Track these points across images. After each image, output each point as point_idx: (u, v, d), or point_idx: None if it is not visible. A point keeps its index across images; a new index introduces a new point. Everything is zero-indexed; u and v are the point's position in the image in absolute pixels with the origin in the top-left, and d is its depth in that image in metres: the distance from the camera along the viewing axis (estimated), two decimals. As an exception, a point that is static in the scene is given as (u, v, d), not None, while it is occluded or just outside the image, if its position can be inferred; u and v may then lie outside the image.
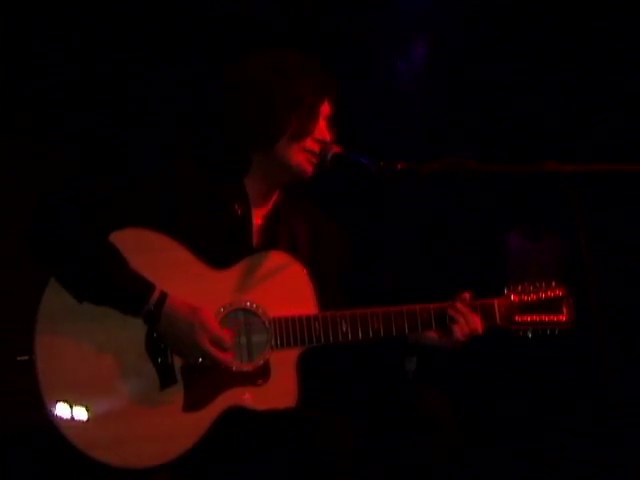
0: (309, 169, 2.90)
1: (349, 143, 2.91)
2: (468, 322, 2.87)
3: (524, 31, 4.78)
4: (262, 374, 2.76)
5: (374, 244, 4.75)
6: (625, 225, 4.56)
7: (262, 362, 2.76)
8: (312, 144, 2.88)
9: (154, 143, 4.36)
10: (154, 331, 2.69)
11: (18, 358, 2.72)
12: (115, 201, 2.77)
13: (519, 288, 3.00)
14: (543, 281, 3.02)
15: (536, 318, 2.98)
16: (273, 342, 2.76)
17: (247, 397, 2.73)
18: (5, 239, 4.14)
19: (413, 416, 2.77)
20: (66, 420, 2.62)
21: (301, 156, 2.88)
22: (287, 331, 2.77)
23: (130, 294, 2.65)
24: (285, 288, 2.81)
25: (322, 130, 2.89)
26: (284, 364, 2.77)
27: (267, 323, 2.77)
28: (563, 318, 2.99)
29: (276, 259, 2.84)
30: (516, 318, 2.97)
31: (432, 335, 2.91)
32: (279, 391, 2.75)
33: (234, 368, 2.73)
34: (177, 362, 2.70)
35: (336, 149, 2.87)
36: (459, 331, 2.86)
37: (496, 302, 2.97)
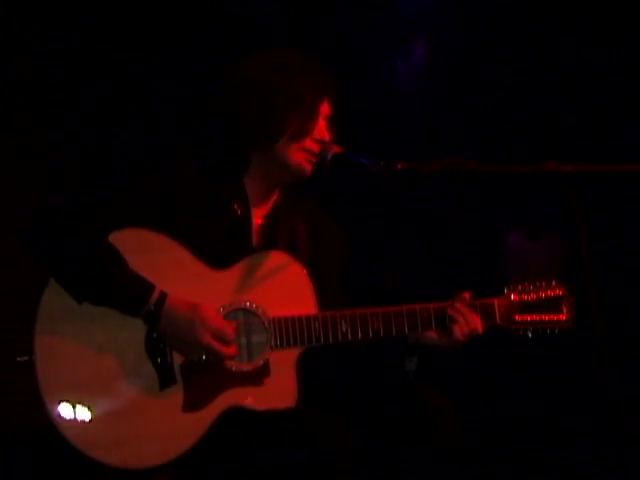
0: (308, 168, 2.90)
1: (349, 143, 2.91)
2: (468, 322, 2.87)
3: (524, 31, 4.78)
4: (262, 374, 2.75)
5: (374, 244, 4.74)
6: (625, 225, 4.56)
7: (262, 362, 2.76)
8: (311, 144, 2.88)
9: (154, 143, 4.36)
10: (154, 331, 2.69)
11: (18, 358, 2.72)
12: (115, 201, 2.77)
13: (519, 288, 2.99)
14: (543, 280, 3.01)
15: (536, 318, 2.97)
16: (273, 342, 2.76)
17: (247, 397, 2.73)
18: (5, 239, 4.14)
19: (413, 416, 2.77)
20: (66, 420, 2.62)
21: (300, 156, 2.88)
22: (287, 331, 2.77)
23: (130, 294, 2.65)
24: (285, 288, 2.81)
25: (322, 130, 2.89)
26: (284, 364, 2.77)
27: (267, 323, 2.77)
28: (563, 317, 2.99)
29: (276, 259, 2.84)
30: (516, 318, 2.97)
31: (432, 335, 2.90)
32: (279, 391, 2.75)
33: (234, 368, 2.73)
34: (177, 362, 2.70)
35: (336, 149, 2.87)
36: (459, 331, 2.86)
37: (496, 302, 2.96)
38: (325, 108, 2.91)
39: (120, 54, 4.54)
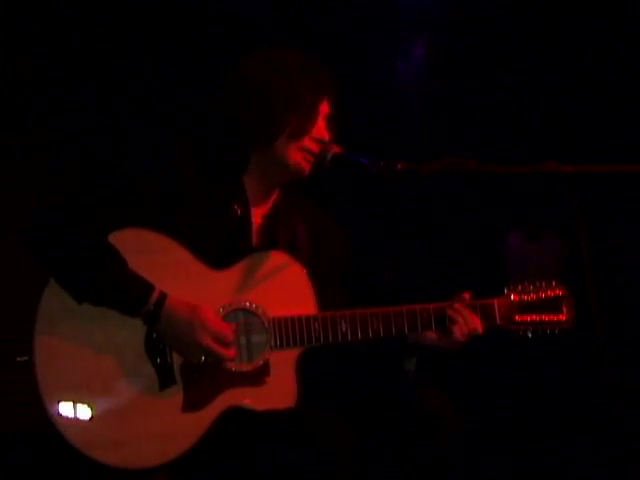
0: (306, 168, 2.89)
1: (349, 143, 2.91)
2: (467, 322, 2.86)
3: (524, 31, 4.79)
4: (262, 374, 2.75)
5: (374, 244, 4.75)
6: (625, 225, 4.56)
7: (261, 362, 2.75)
8: (310, 143, 2.87)
9: (153, 143, 4.36)
10: (154, 331, 2.69)
11: (18, 358, 2.72)
12: (114, 201, 2.76)
13: (519, 288, 2.99)
14: (543, 281, 3.01)
15: (536, 318, 2.97)
16: (272, 342, 2.76)
17: (246, 397, 2.72)
18: (5, 239, 4.14)
19: (413, 416, 2.76)
20: (65, 420, 2.61)
21: (298, 155, 2.87)
22: (287, 331, 2.76)
23: (129, 295, 2.65)
24: (285, 288, 2.81)
25: (321, 129, 2.89)
26: (284, 364, 2.76)
27: (267, 323, 2.76)
28: (563, 317, 2.99)
29: (276, 259, 2.83)
30: (516, 318, 2.96)
31: (432, 336, 2.90)
32: (278, 391, 2.75)
33: (234, 369, 2.73)
34: (176, 362, 2.70)
35: (336, 149, 2.86)
36: (458, 331, 2.85)
37: (496, 302, 2.96)
38: (324, 107, 2.91)
39: (120, 54, 4.55)
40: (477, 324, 2.88)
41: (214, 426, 2.69)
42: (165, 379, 2.68)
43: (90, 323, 2.67)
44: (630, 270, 4.54)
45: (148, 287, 2.65)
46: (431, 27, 4.91)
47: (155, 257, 2.73)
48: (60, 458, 2.69)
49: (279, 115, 2.82)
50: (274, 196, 2.99)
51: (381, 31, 4.81)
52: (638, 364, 4.28)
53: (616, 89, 4.58)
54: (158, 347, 2.69)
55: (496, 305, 2.95)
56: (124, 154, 4.33)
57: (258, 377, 2.75)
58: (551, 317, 2.98)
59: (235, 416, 2.70)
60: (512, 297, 2.98)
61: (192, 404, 2.69)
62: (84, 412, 2.64)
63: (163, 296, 2.66)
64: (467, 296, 2.93)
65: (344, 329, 2.81)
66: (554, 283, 3.01)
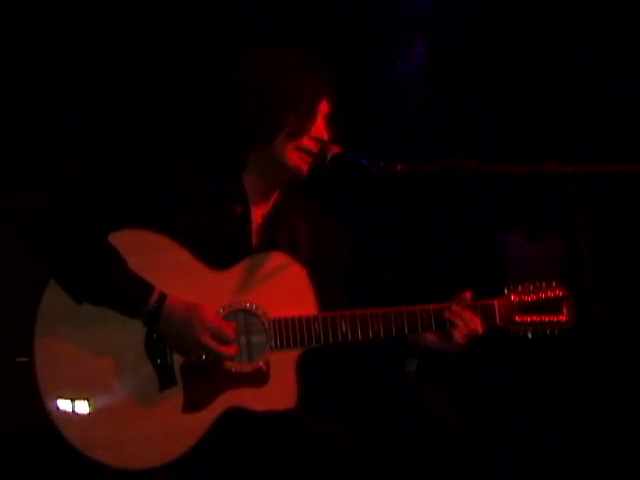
0: (304, 168, 2.89)
1: (348, 143, 2.91)
2: (467, 324, 2.86)
3: (524, 31, 4.78)
4: (262, 375, 2.75)
5: (374, 244, 4.74)
6: (625, 225, 4.56)
7: (262, 363, 2.75)
8: (309, 142, 2.87)
9: (153, 143, 4.36)
10: (153, 332, 2.69)
11: (18, 359, 2.72)
12: (114, 201, 2.76)
13: (519, 288, 2.99)
14: (543, 281, 3.01)
15: (536, 318, 2.97)
16: (273, 343, 2.76)
17: (247, 398, 2.72)
18: (5, 239, 4.14)
19: (413, 416, 2.76)
20: (66, 420, 2.62)
21: (296, 155, 2.87)
22: (287, 332, 2.76)
23: (129, 295, 2.65)
24: (285, 289, 2.80)
25: (320, 129, 2.88)
26: (284, 365, 2.76)
27: (267, 324, 2.76)
28: (563, 318, 2.98)
29: (276, 260, 2.83)
30: (516, 318, 2.96)
31: (432, 338, 2.89)
32: (279, 392, 2.75)
33: (234, 369, 2.73)
34: (176, 363, 2.70)
35: (335, 150, 2.86)
36: (458, 334, 2.85)
37: (496, 303, 2.95)
38: (324, 107, 2.91)
39: (120, 54, 4.55)
40: (477, 325, 2.87)
41: (214, 427, 2.69)
42: (165, 380, 2.68)
43: (90, 324, 2.67)
44: (630, 270, 4.54)
45: (148, 288, 2.65)
46: (431, 27, 4.90)
47: (155, 258, 2.73)
48: (60, 458, 2.69)
49: (278, 114, 2.82)
50: (274, 196, 2.99)
51: (381, 31, 4.81)
52: (638, 364, 4.27)
53: (616, 89, 4.58)
54: (158, 348, 2.69)
55: (496, 306, 2.94)
56: (124, 154, 4.33)
57: (258, 378, 2.75)
58: (551, 318, 2.98)
59: (235, 417, 2.70)
60: (512, 298, 2.97)
61: (192, 405, 2.69)
62: (84, 412, 2.64)
63: (163, 296, 2.66)
64: (468, 296, 2.93)
65: (344, 330, 2.81)
66: (554, 284, 3.01)
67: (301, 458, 2.57)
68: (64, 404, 2.63)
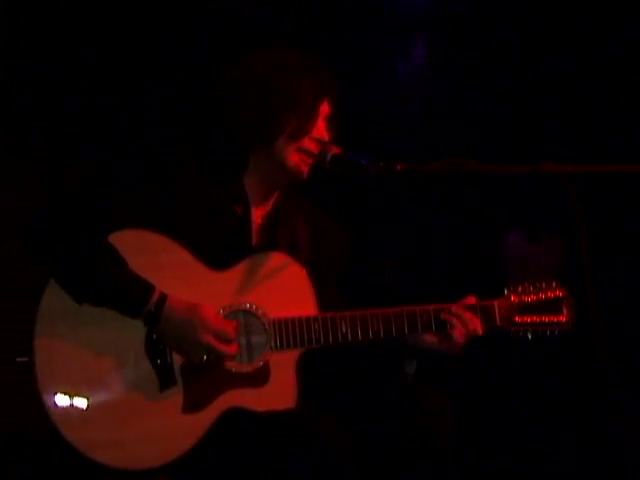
0: (304, 170, 2.88)
1: (348, 143, 2.91)
2: (465, 324, 2.86)
3: (524, 31, 4.79)
4: (262, 375, 2.75)
5: (374, 245, 4.75)
6: (625, 225, 4.56)
7: (262, 363, 2.75)
8: (310, 144, 2.87)
9: (154, 143, 4.36)
10: (154, 332, 2.68)
11: (18, 359, 2.72)
12: (115, 202, 2.76)
13: (519, 289, 2.98)
14: (543, 282, 3.01)
15: (536, 319, 2.97)
16: (273, 343, 2.76)
17: (247, 398, 2.72)
18: (5, 239, 4.14)
19: (413, 417, 2.76)
20: (66, 421, 2.62)
21: (297, 157, 2.86)
22: (287, 332, 2.76)
23: (130, 295, 2.65)
24: (285, 289, 2.80)
25: (321, 130, 2.88)
26: (284, 365, 2.76)
27: (267, 324, 2.76)
28: (563, 319, 2.98)
29: (276, 260, 2.83)
30: (516, 319, 2.95)
31: (432, 339, 2.89)
32: (279, 392, 2.74)
33: (234, 369, 2.73)
34: (176, 363, 2.70)
35: (335, 150, 2.85)
36: (458, 335, 2.85)
37: (496, 303, 2.95)
38: (325, 108, 2.90)
39: (120, 54, 4.54)
40: (477, 325, 2.87)
41: (214, 427, 2.68)
42: (165, 380, 2.68)
43: (90, 324, 2.67)
44: (630, 270, 4.54)
45: (149, 288, 2.65)
46: (431, 27, 4.90)
47: (155, 258, 2.73)
48: (60, 458, 2.69)
49: (279, 115, 2.82)
50: (274, 197, 2.99)
51: (381, 31, 4.81)
52: (638, 364, 4.28)
53: (616, 89, 4.58)
54: (158, 348, 2.69)
55: (496, 306, 2.94)
56: (124, 154, 4.33)
57: (258, 378, 2.75)
58: (551, 318, 2.98)
59: (235, 417, 2.70)
60: (512, 298, 2.97)
61: (192, 405, 2.69)
62: (84, 412, 2.64)
63: (163, 297, 2.66)
64: (472, 301, 2.93)
65: (344, 330, 2.81)
66: (554, 284, 3.00)
67: (301, 458, 2.56)
68: (64, 404, 2.62)
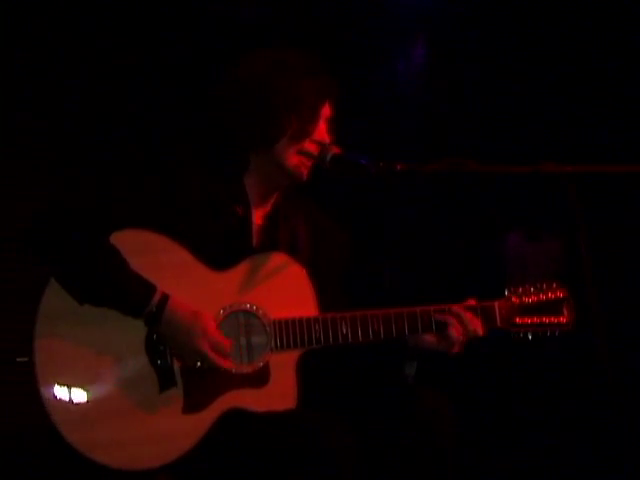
0: (304, 172, 2.89)
1: (348, 143, 2.91)
2: (466, 324, 2.86)
3: (524, 30, 4.78)
4: (262, 376, 2.75)
5: (374, 245, 4.74)
6: (625, 225, 4.56)
7: (262, 364, 2.75)
8: (310, 146, 2.87)
9: (154, 143, 4.36)
10: (154, 333, 2.69)
11: (18, 359, 2.72)
12: (115, 202, 2.76)
13: (520, 290, 2.98)
14: (544, 283, 3.01)
15: (536, 320, 2.97)
16: (273, 344, 2.76)
17: (247, 399, 2.72)
18: (5, 239, 4.14)
19: (413, 416, 2.77)
20: (65, 421, 2.62)
21: (297, 159, 2.87)
22: (287, 333, 2.76)
23: (131, 295, 2.65)
24: (285, 290, 2.81)
25: (321, 132, 2.88)
26: (284, 366, 2.76)
27: (267, 325, 2.76)
28: (564, 320, 2.98)
29: (276, 260, 2.83)
30: (516, 320, 2.95)
31: (432, 340, 2.89)
32: (279, 393, 2.75)
33: (234, 370, 2.73)
34: (177, 364, 2.70)
35: (335, 150, 2.86)
36: (456, 333, 2.85)
37: (497, 304, 2.95)
38: (326, 110, 2.90)
39: (120, 54, 4.54)
40: (478, 326, 2.87)
41: (214, 427, 2.69)
42: (165, 380, 2.68)
43: (91, 324, 2.67)
44: (630, 270, 4.54)
45: (150, 288, 2.65)
46: (431, 27, 4.90)
47: (155, 258, 2.73)
48: (60, 459, 2.69)
49: (280, 116, 2.82)
50: (274, 197, 2.99)
51: (381, 31, 4.80)
52: (638, 364, 4.27)
53: (616, 89, 4.58)
54: (158, 348, 2.69)
55: (497, 307, 2.94)
56: (125, 154, 4.32)
57: (258, 379, 2.75)
58: (551, 319, 2.98)
59: (235, 418, 2.70)
60: (513, 299, 2.97)
61: (192, 406, 2.69)
62: (84, 412, 2.64)
63: (165, 298, 2.66)
64: (473, 302, 2.92)
65: (344, 331, 2.81)
66: (555, 285, 3.00)
67: (301, 459, 2.57)
68: (64, 404, 2.63)
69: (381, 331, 2.83)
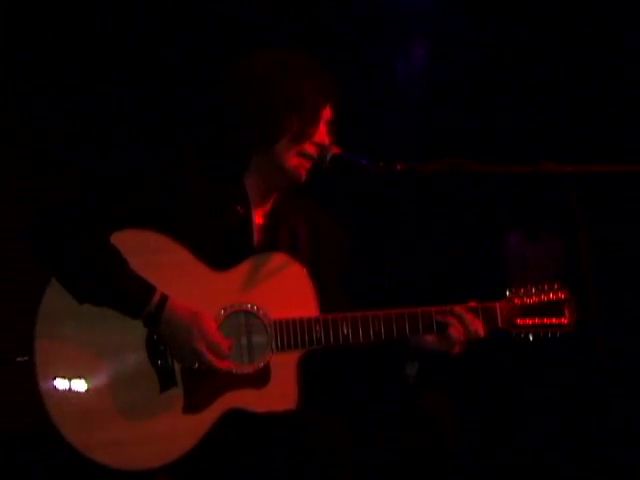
0: (303, 174, 2.88)
1: (348, 143, 2.90)
2: (467, 325, 2.85)
3: (524, 30, 4.78)
4: (262, 376, 2.75)
5: (374, 245, 4.74)
6: (625, 225, 4.56)
7: (262, 364, 2.75)
8: (310, 148, 2.86)
9: (154, 143, 4.36)
10: (154, 333, 2.69)
11: (18, 359, 2.72)
12: (115, 202, 2.76)
13: (521, 291, 2.98)
14: (546, 284, 3.00)
15: (537, 321, 2.96)
16: (274, 345, 2.75)
17: (247, 399, 2.72)
18: (5, 239, 4.14)
19: (414, 417, 2.76)
20: (65, 421, 2.61)
21: (296, 160, 2.86)
22: (288, 334, 2.76)
23: (131, 296, 2.65)
24: (286, 290, 2.80)
25: (322, 134, 2.88)
26: (284, 366, 2.76)
27: (268, 325, 2.76)
28: (565, 321, 2.97)
29: (277, 260, 2.83)
30: (518, 321, 2.94)
31: (433, 341, 2.89)
32: (279, 393, 2.74)
33: (234, 370, 2.73)
34: (177, 364, 2.70)
35: (335, 150, 2.85)
36: (456, 333, 2.84)
37: (498, 305, 2.94)
38: (327, 112, 2.90)
39: (121, 54, 4.54)
40: (479, 327, 2.87)
41: (214, 428, 2.69)
42: (166, 381, 2.68)
43: (91, 323, 2.67)
44: (630, 270, 4.54)
45: (150, 289, 2.65)
46: (431, 27, 4.90)
47: (156, 258, 2.73)
48: (60, 459, 2.69)
49: (281, 117, 2.81)
50: (274, 196, 2.99)
51: (381, 31, 4.81)
52: (638, 364, 4.28)
53: (616, 89, 4.58)
54: (159, 349, 2.69)
55: (498, 308, 2.93)
56: (125, 155, 4.33)
57: (259, 379, 2.75)
58: (553, 320, 2.97)
59: (235, 418, 2.70)
60: (514, 300, 2.96)
61: (193, 406, 2.69)
62: (84, 412, 2.64)
63: (164, 298, 2.66)
64: (474, 304, 2.92)
65: (345, 331, 2.81)
66: (556, 286, 3.00)
67: (301, 459, 2.57)
68: (64, 404, 2.62)
69: (382, 332, 2.83)
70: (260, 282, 2.78)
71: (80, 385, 2.64)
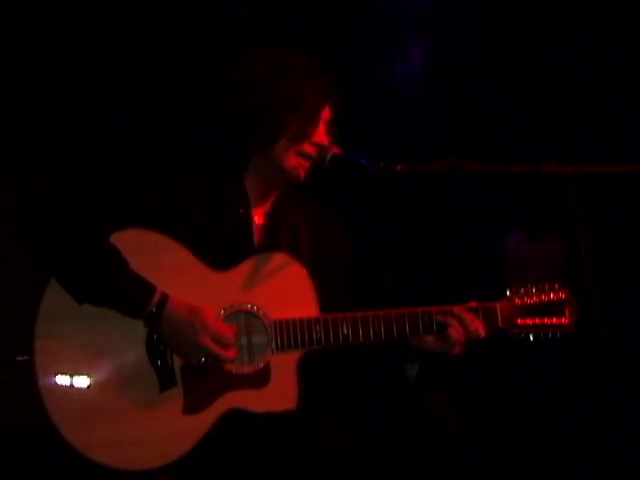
0: (301, 173, 2.89)
1: (348, 143, 2.91)
2: (467, 325, 2.85)
3: (524, 30, 4.78)
4: (262, 377, 2.75)
5: (374, 245, 4.74)
6: (625, 225, 4.56)
7: (262, 365, 2.75)
8: (309, 148, 2.87)
9: (155, 143, 4.36)
10: (154, 333, 2.69)
11: (18, 358, 2.72)
12: (116, 202, 2.76)
13: (522, 290, 2.98)
14: (546, 284, 3.00)
15: (538, 321, 2.96)
16: (274, 345, 2.76)
17: (247, 400, 2.72)
18: (5, 239, 4.14)
19: (413, 416, 2.76)
20: (65, 421, 2.62)
21: (295, 160, 2.87)
22: (288, 334, 2.76)
23: (131, 296, 2.65)
24: (286, 290, 2.81)
25: (321, 134, 2.88)
26: (285, 367, 2.76)
27: (268, 326, 2.76)
28: (565, 321, 2.97)
29: (277, 260, 2.83)
30: (518, 321, 2.95)
31: (433, 341, 2.89)
32: (279, 394, 2.75)
33: (234, 371, 2.73)
34: (177, 364, 2.70)
35: (335, 150, 2.86)
36: (456, 333, 2.84)
37: (498, 305, 2.95)
38: (326, 113, 2.90)
39: (121, 54, 4.54)
40: (479, 328, 2.87)
41: (214, 428, 2.69)
42: (165, 381, 2.68)
43: (91, 324, 2.67)
44: (630, 270, 4.54)
45: (150, 288, 2.65)
46: (431, 27, 4.90)
47: (156, 258, 2.74)
48: (60, 459, 2.69)
49: (280, 117, 2.82)
50: (274, 196, 2.99)
51: (381, 31, 4.81)
52: (638, 364, 4.28)
53: (616, 89, 4.58)
54: (159, 349, 2.69)
55: (498, 308, 2.94)
56: (125, 155, 4.32)
57: (259, 379, 2.75)
58: (553, 320, 2.97)
59: (235, 418, 2.70)
60: (515, 300, 2.97)
61: (192, 406, 2.69)
62: (84, 413, 2.64)
63: (165, 297, 2.66)
64: (474, 304, 2.92)
65: (345, 331, 2.81)
66: (557, 286, 3.00)
67: (301, 459, 2.57)
68: (64, 404, 2.62)
69: (382, 332, 2.83)
70: (260, 282, 2.79)
71: (80, 385, 2.65)
